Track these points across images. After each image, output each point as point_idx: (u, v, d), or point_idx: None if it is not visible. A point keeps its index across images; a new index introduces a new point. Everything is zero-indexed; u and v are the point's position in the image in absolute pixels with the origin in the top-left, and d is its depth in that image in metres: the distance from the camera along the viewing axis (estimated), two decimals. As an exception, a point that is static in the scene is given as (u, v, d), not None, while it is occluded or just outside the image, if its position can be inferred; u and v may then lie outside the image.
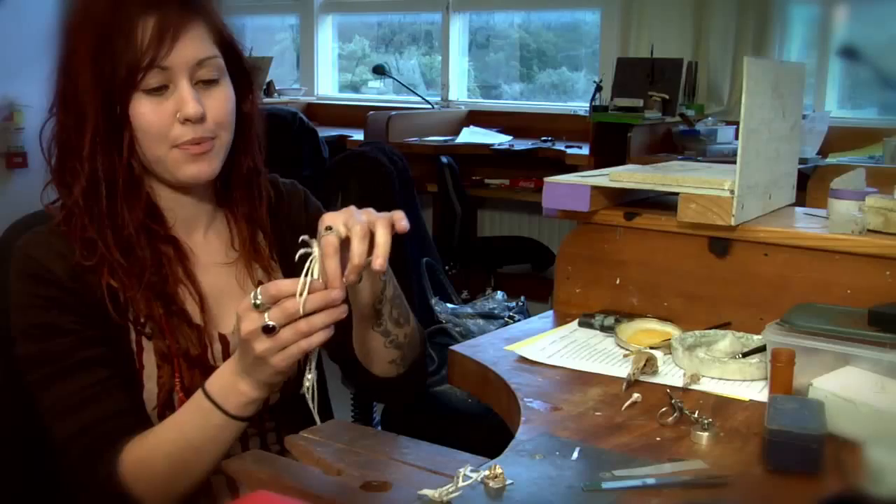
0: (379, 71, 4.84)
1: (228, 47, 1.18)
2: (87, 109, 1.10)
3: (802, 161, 2.67)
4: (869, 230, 1.30)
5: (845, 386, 1.03)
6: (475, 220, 4.68)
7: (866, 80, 3.82)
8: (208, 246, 1.23)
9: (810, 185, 2.50)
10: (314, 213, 1.33)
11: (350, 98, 5.52)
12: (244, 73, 1.21)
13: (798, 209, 1.54)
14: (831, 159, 3.28)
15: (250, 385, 1.03)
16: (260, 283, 1.22)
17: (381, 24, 5.55)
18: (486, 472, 0.85)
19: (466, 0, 4.99)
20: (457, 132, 4.48)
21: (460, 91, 5.07)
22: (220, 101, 1.14)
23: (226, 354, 1.19)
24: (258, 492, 0.74)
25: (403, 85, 5.02)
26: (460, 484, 0.83)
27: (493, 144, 4.15)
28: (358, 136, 4.38)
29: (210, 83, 1.13)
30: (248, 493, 0.87)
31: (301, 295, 0.94)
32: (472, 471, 0.85)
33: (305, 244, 0.98)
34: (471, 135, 4.42)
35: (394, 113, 4.31)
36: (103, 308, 1.11)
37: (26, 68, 5.36)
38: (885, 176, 1.63)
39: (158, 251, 1.16)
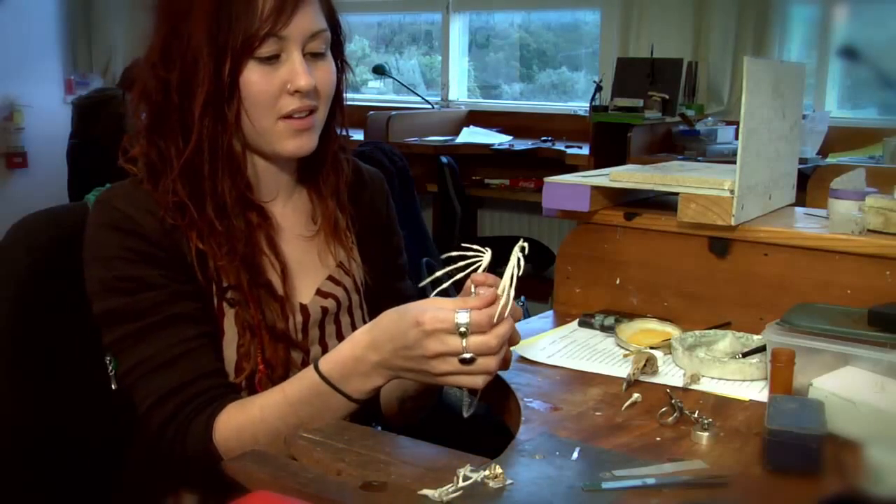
0: (379, 71, 4.83)
1: (335, 23, 1.18)
2: (199, 72, 1.07)
3: (802, 161, 2.68)
4: (869, 230, 1.30)
5: (845, 386, 1.03)
6: (475, 220, 4.67)
7: (866, 80, 3.82)
8: (287, 218, 1.22)
9: (810, 185, 2.50)
10: (391, 216, 1.34)
11: (350, 98, 5.48)
12: (340, 50, 1.21)
13: (798, 209, 1.54)
14: (831, 159, 3.28)
15: (385, 377, 1.00)
16: (341, 263, 1.22)
17: (381, 24, 5.54)
18: (486, 472, 0.85)
19: (466, 0, 4.98)
20: (457, 132, 4.48)
21: (460, 91, 5.07)
22: (326, 74, 1.15)
23: (305, 326, 1.18)
24: (258, 492, 0.74)
25: (403, 85, 5.01)
26: (460, 484, 0.83)
27: (493, 144, 4.15)
28: (358, 136, 4.37)
29: (318, 56, 1.14)
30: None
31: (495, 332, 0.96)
32: (472, 471, 0.85)
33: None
34: (471, 135, 4.41)
35: (394, 113, 4.30)
36: (191, 269, 1.09)
37: (26, 68, 5.40)
38: (885, 176, 1.64)
39: (249, 220, 1.15)
